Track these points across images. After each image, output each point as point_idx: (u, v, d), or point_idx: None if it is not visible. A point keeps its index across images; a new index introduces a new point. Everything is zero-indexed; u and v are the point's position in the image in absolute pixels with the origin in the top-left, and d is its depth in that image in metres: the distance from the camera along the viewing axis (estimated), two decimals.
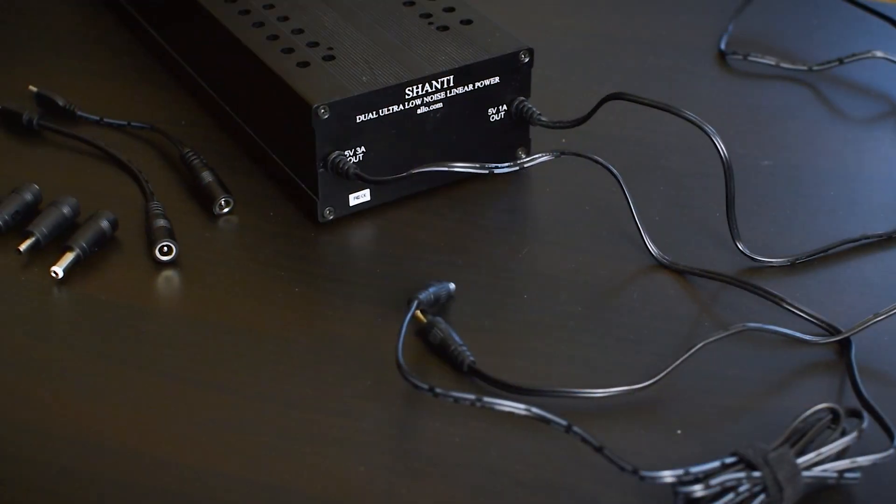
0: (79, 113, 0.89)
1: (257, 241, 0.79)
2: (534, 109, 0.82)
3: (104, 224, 0.78)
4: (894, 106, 0.93)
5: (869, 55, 0.94)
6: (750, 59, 0.97)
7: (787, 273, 0.77)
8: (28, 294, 0.76)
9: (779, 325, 0.72)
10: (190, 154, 0.83)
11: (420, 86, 0.79)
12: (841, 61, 0.95)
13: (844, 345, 0.71)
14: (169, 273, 0.77)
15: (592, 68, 0.96)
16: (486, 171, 0.77)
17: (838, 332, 0.72)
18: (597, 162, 0.78)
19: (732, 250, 0.78)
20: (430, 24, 0.84)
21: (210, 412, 0.68)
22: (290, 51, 0.81)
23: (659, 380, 0.69)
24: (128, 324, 0.74)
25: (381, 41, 0.82)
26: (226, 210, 0.81)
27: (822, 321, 0.73)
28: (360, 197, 0.80)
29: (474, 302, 0.75)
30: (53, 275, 0.76)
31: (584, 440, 0.63)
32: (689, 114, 0.76)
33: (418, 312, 0.72)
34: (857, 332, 0.71)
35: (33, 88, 0.90)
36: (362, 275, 0.77)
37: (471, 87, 0.81)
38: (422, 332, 0.71)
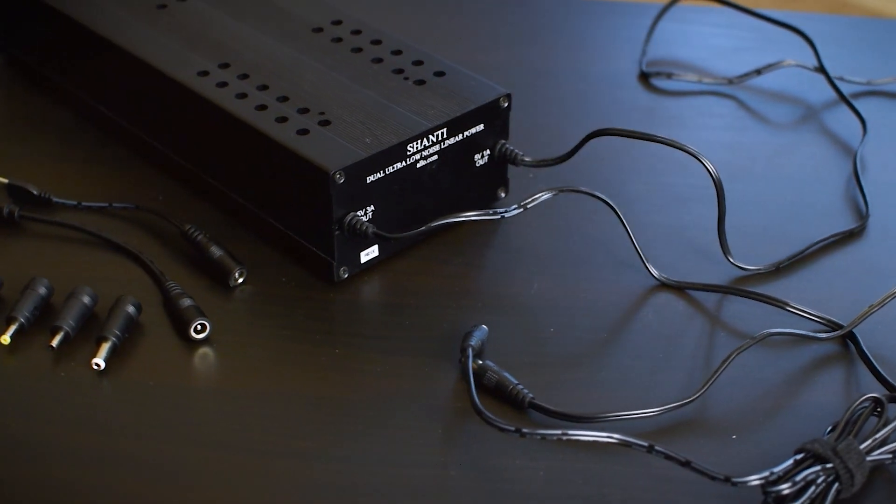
0: (55, 199, 0.89)
1: (279, 307, 0.81)
2: (517, 151, 0.87)
3: (130, 309, 0.79)
4: (811, 108, 1.01)
5: (784, 64, 1.03)
6: (674, 78, 1.04)
7: (775, 277, 0.84)
8: (70, 389, 0.76)
9: (784, 327, 0.79)
10: (192, 230, 0.84)
11: (419, 141, 0.82)
12: (759, 72, 1.03)
13: (849, 337, 0.79)
14: (203, 350, 0.78)
15: (531, 101, 1.00)
16: (499, 217, 0.81)
17: (840, 326, 0.79)
18: (596, 197, 0.84)
19: (719, 262, 0.84)
20: (406, 79, 0.87)
21: (292, 481, 0.70)
22: (283, 119, 0.83)
23: (704, 391, 0.74)
24: (180, 404, 0.75)
25: (366, 101, 0.85)
26: (240, 281, 0.83)
27: (824, 318, 0.80)
28: (370, 253, 0.83)
29: (505, 341, 0.79)
30: (95, 367, 0.76)
31: (668, 457, 0.68)
32: (679, 142, 0.82)
33: (463, 359, 0.75)
34: (858, 324, 0.79)
35: (2, 180, 0.90)
36: (390, 328, 0.80)
37: (460, 136, 0.85)
38: (476, 377, 0.75)
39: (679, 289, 0.83)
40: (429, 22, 1.12)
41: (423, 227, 0.81)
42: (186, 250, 0.85)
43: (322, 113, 0.84)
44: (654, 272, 0.83)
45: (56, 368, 0.77)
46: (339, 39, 0.91)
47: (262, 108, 0.84)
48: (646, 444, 0.69)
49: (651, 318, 0.81)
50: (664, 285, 0.83)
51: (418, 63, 0.89)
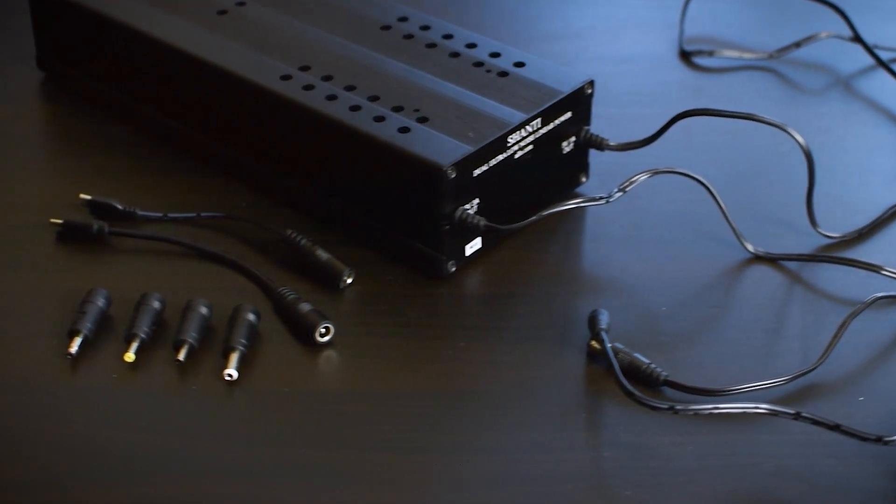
0: (139, 213, 0.88)
1: (390, 305, 0.82)
2: (602, 136, 0.89)
3: (251, 318, 0.79)
4: (853, 77, 1.04)
5: (821, 35, 1.06)
6: (715, 55, 1.06)
7: (858, 243, 0.87)
8: (204, 401, 0.76)
9: (885, 290, 0.82)
10: (293, 234, 0.85)
11: (518, 132, 0.84)
12: (798, 45, 1.06)
13: None
14: (327, 353, 0.79)
15: None
16: (604, 201, 0.83)
17: None
18: (690, 177, 0.86)
19: (802, 233, 0.87)
20: (488, 71, 0.88)
21: (447, 476, 0.71)
22: (381, 119, 0.84)
23: (826, 356, 0.77)
24: (317, 408, 0.75)
25: (456, 96, 0.86)
26: (349, 282, 0.83)
27: None
28: (473, 246, 0.84)
29: (618, 323, 0.80)
30: (228, 377, 0.76)
31: (815, 422, 0.71)
32: (767, 117, 0.85)
33: (594, 342, 0.77)
34: None
35: (85, 196, 0.89)
36: (505, 318, 0.82)
37: (552, 125, 0.86)
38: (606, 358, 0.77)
39: (773, 261, 0.86)
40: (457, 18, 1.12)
41: (535, 216, 0.82)
42: (282, 256, 0.85)
43: (417, 110, 0.84)
44: (750, 247, 0.86)
45: (185, 382, 0.77)
46: (411, 36, 0.92)
47: (356, 108, 0.85)
48: (792, 411, 0.71)
49: (754, 290, 0.84)
50: (758, 258, 0.86)
51: (495, 55, 0.90)
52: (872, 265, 0.84)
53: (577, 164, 0.91)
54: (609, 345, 0.76)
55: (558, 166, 0.89)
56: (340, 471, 0.71)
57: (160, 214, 0.89)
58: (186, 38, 0.92)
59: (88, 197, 0.89)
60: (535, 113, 0.84)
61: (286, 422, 0.75)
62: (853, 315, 0.79)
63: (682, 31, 1.09)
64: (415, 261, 0.84)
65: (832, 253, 0.86)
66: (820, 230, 0.87)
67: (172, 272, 0.85)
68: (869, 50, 1.05)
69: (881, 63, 1.04)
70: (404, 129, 0.83)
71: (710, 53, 1.06)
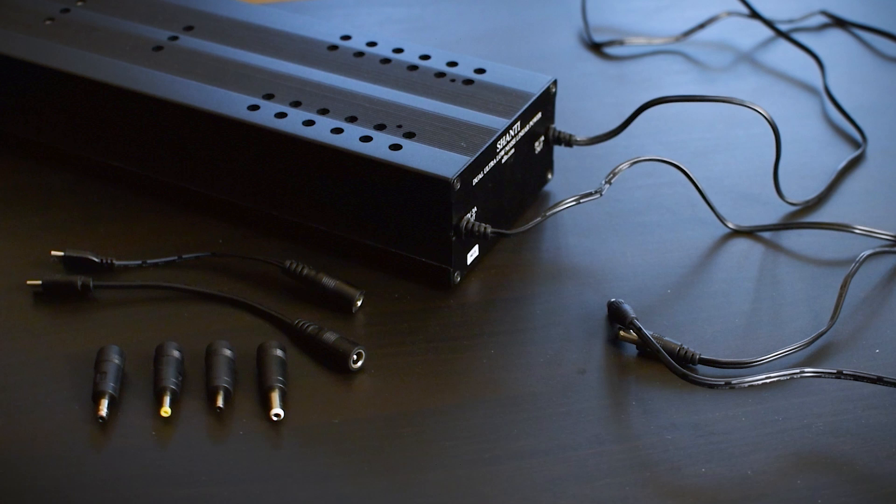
0: (117, 262, 0.85)
1: (407, 323, 0.82)
2: (568, 133, 0.90)
3: (279, 353, 0.78)
4: (761, 52, 1.09)
5: (722, 16, 1.11)
6: (626, 44, 1.09)
7: (820, 206, 0.92)
8: (254, 444, 0.74)
9: (857, 249, 0.86)
10: (293, 264, 0.83)
11: (504, 138, 0.85)
12: (702, 26, 1.10)
13: None
14: (360, 378, 0.78)
15: None
16: (598, 195, 0.85)
17: None
18: (667, 162, 0.88)
19: (769, 203, 0.91)
20: (452, 81, 0.89)
21: (526, 480, 0.72)
22: (368, 139, 0.83)
23: (837, 316, 0.81)
24: (375, 434, 0.74)
25: (431, 108, 0.86)
26: (359, 304, 0.83)
27: (886, 233, 0.88)
28: (473, 254, 0.85)
29: (637, 310, 0.82)
30: (275, 417, 0.75)
31: (857, 378, 0.75)
32: (735, 98, 0.88)
33: (623, 332, 0.79)
34: None
35: (58, 253, 0.85)
36: (525, 319, 0.83)
37: (527, 127, 0.87)
38: (641, 345, 0.79)
39: (750, 233, 0.89)
40: None
41: (539, 218, 0.84)
42: (281, 287, 0.84)
43: (399, 126, 0.84)
44: (730, 224, 0.89)
45: (228, 428, 0.75)
46: (361, 54, 0.92)
47: (338, 130, 0.84)
48: (834, 370, 0.75)
49: (744, 263, 0.87)
50: (737, 232, 0.89)
51: (452, 64, 0.91)
52: (844, 225, 0.88)
53: (545, 163, 0.92)
54: (648, 332, 0.78)
55: (532, 166, 0.90)
56: (422, 492, 0.71)
57: (139, 262, 0.86)
58: (134, 78, 0.89)
59: (61, 253, 0.85)
60: (515, 117, 0.85)
61: (345, 453, 0.74)
62: (851, 275, 0.83)
63: (586, 24, 1.12)
64: (420, 275, 0.84)
65: (799, 219, 0.91)
66: (786, 199, 0.91)
67: (172, 319, 0.82)
68: (768, 24, 1.10)
69: (782, 34, 1.09)
70: (395, 147, 0.82)
71: (621, 42, 1.10)
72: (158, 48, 0.92)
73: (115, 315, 0.83)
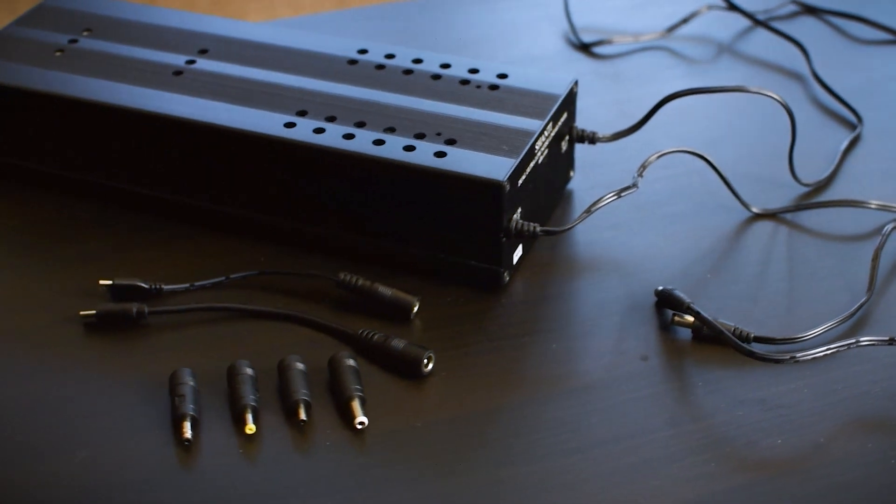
0: (165, 287, 0.86)
1: (465, 325, 0.84)
2: (592, 131, 0.93)
3: (352, 363, 0.79)
4: (744, 43, 1.13)
5: (702, 10, 1.15)
6: (615, 43, 1.13)
7: (831, 185, 0.96)
8: (342, 454, 0.75)
9: (874, 221, 0.91)
10: (349, 277, 0.84)
11: (540, 139, 0.87)
12: (685, 21, 1.14)
13: None
14: (430, 381, 0.80)
15: None
16: (635, 188, 0.87)
17: None
18: (691, 153, 0.91)
19: (783, 185, 0.95)
20: (478, 87, 0.91)
21: (611, 466, 0.74)
22: (411, 148, 0.85)
23: (875, 287, 0.85)
24: (462, 435, 0.76)
25: (464, 114, 0.88)
26: (416, 309, 0.84)
27: None
28: (518, 253, 0.87)
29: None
30: (360, 426, 0.76)
31: None
32: (755, 88, 0.92)
33: (678, 317, 0.82)
34: None
35: (106, 282, 0.85)
36: (579, 314, 0.85)
37: (556, 127, 0.90)
38: (696, 328, 0.82)
39: (773, 215, 0.93)
40: None
41: (584, 213, 0.86)
42: (334, 300, 0.85)
43: (439, 134, 0.86)
44: (755, 208, 0.92)
45: (313, 440, 0.76)
46: (382, 66, 0.93)
47: (380, 142, 0.85)
48: (886, 338, 0.79)
49: (772, 245, 0.91)
50: (758, 216, 0.93)
51: (474, 71, 0.93)
52: (859, 201, 0.93)
53: (569, 161, 0.95)
54: (708, 316, 0.81)
55: (559, 165, 0.93)
56: (518, 486, 0.73)
57: (186, 285, 0.86)
58: (161, 103, 0.90)
59: (109, 281, 0.85)
60: (549, 117, 0.88)
61: (434, 454, 0.75)
62: (880, 247, 0.87)
63: (572, 26, 1.15)
64: (468, 278, 0.86)
65: (814, 199, 0.94)
66: (800, 180, 0.95)
67: (231, 339, 0.83)
68: (748, 15, 1.14)
69: (762, 24, 1.13)
70: (440, 154, 0.84)
71: (609, 42, 1.13)
72: (178, 73, 0.93)
73: (172, 339, 0.83)
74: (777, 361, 0.78)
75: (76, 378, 0.80)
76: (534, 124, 0.87)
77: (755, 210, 0.93)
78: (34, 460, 0.75)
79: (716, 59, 1.12)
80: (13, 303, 0.86)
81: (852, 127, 1.02)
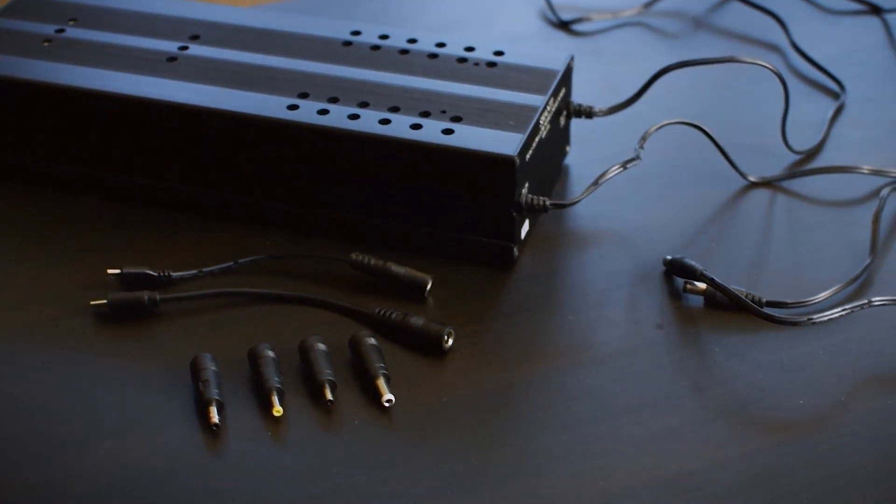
0: (174, 275, 0.85)
1: (480, 300, 0.84)
2: (589, 105, 0.94)
3: (373, 342, 0.79)
4: (721, 16, 1.15)
5: None
6: (594, 20, 1.14)
7: (819, 154, 0.98)
8: (372, 432, 0.75)
9: (865, 187, 0.93)
10: (361, 257, 0.84)
11: (544, 114, 0.87)
12: None
13: None
14: (451, 358, 0.80)
15: None
16: (638, 159, 0.88)
17: None
18: (689, 124, 0.92)
19: (774, 154, 0.97)
20: (476, 65, 0.91)
21: (648, 434, 0.75)
22: (418, 126, 0.85)
23: (879, 250, 0.86)
24: (489, 409, 0.76)
25: (466, 92, 0.88)
26: (429, 286, 0.84)
27: (891, 171, 0.94)
28: (525, 228, 0.88)
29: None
30: (387, 403, 0.76)
31: None
32: (747, 58, 0.93)
33: (690, 285, 0.83)
34: None
35: (115, 271, 0.84)
36: (593, 284, 0.86)
37: (557, 102, 0.90)
38: (709, 295, 0.83)
39: (769, 183, 0.94)
40: None
41: (592, 185, 0.87)
42: (347, 281, 0.85)
43: (444, 111, 0.86)
44: (750, 176, 0.94)
45: (341, 419, 0.76)
46: (377, 47, 0.93)
47: (385, 122, 0.85)
48: None
49: (771, 212, 0.92)
50: (755, 184, 0.94)
51: (470, 49, 0.93)
52: (851, 167, 0.94)
53: (566, 136, 0.95)
54: (720, 281, 0.82)
55: (558, 140, 0.93)
56: (552, 456, 0.73)
57: (195, 272, 0.85)
58: (159, 89, 0.89)
59: (118, 270, 0.84)
60: (550, 92, 0.88)
61: (465, 428, 0.75)
62: (879, 210, 0.89)
63: (550, 4, 1.15)
64: (480, 255, 0.86)
65: (807, 166, 0.96)
66: (792, 148, 0.97)
67: (246, 323, 0.82)
68: None
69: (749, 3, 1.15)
70: (447, 131, 0.84)
71: (588, 19, 1.14)
72: (172, 59, 0.92)
73: (187, 326, 0.82)
74: (794, 324, 0.79)
75: (93, 369, 0.79)
76: (537, 99, 0.87)
77: (752, 179, 0.94)
78: (60, 452, 0.74)
79: (694, 33, 1.14)
80: (20, 297, 0.85)
81: (835, 96, 1.04)
